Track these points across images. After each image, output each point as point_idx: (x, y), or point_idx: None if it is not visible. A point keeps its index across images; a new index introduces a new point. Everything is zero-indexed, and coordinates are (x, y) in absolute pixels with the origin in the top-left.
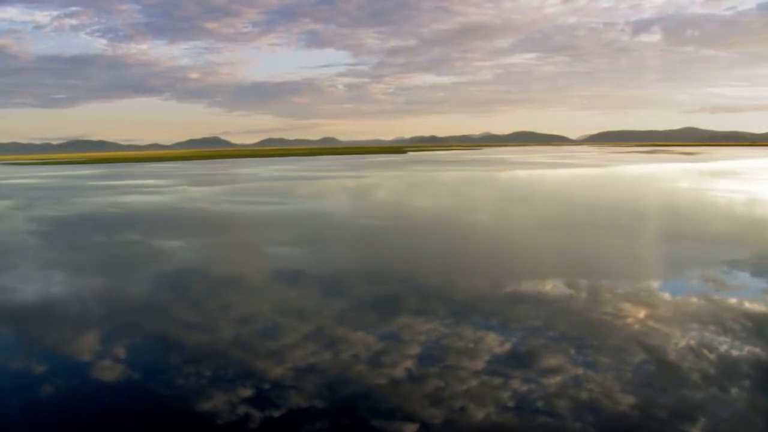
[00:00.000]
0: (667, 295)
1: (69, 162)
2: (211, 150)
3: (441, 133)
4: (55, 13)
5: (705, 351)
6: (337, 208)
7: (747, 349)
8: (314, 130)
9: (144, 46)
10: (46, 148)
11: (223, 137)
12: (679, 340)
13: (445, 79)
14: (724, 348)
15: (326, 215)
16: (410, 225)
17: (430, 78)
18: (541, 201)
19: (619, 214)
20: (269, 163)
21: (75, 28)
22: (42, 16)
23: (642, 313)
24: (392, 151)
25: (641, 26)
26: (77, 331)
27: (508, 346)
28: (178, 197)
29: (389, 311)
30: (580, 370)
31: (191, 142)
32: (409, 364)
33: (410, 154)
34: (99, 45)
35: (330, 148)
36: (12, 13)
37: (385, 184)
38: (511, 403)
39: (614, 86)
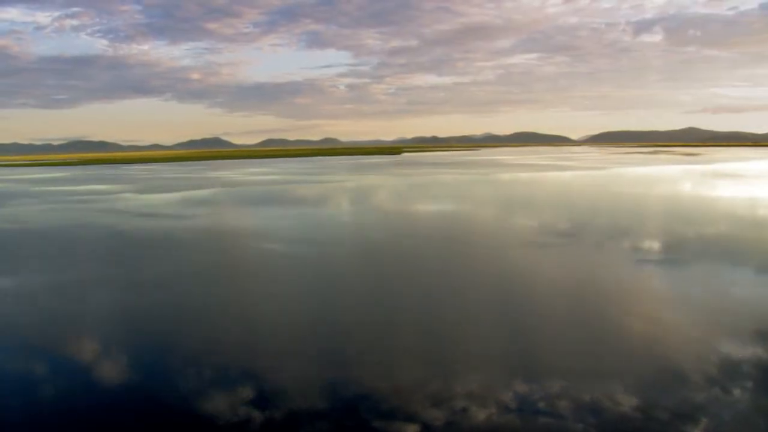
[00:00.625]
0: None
1: (57, 164)
2: (208, 151)
3: (442, 133)
4: (56, 13)
5: None
6: (260, 227)
7: None
8: (315, 131)
9: (145, 47)
10: (46, 148)
11: (224, 138)
12: None
13: (446, 80)
14: None
15: (233, 237)
16: (320, 257)
17: (431, 78)
18: (530, 216)
19: (622, 230)
20: (256, 165)
21: (76, 29)
22: (43, 17)
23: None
24: (388, 151)
25: (643, 26)
26: None
27: None
28: (103, 207)
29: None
30: None
31: (192, 143)
32: None
33: (405, 155)
34: (100, 46)
35: (327, 149)
36: (13, 13)
37: (344, 190)
38: None
39: (616, 86)
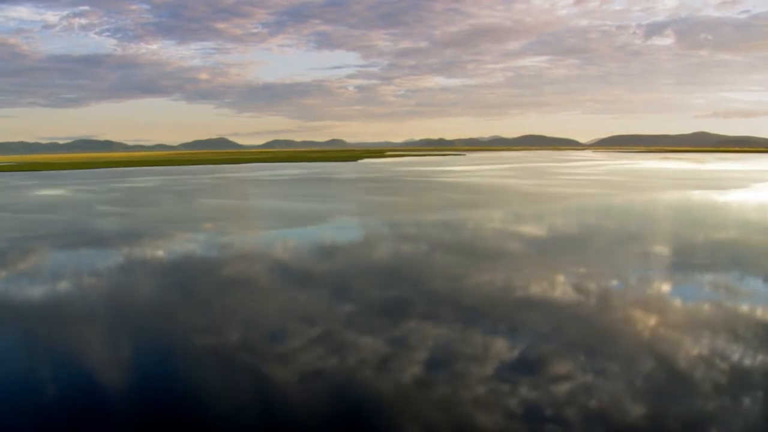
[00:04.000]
0: None
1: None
2: (193, 153)
3: (450, 136)
4: (64, 12)
5: None
6: None
7: None
8: (323, 132)
9: (154, 47)
10: (52, 147)
11: (231, 138)
12: None
13: (456, 82)
14: None
15: None
16: None
17: (440, 80)
18: None
19: None
20: (181, 173)
21: (84, 28)
22: (52, 16)
23: None
24: (351, 157)
25: (654, 29)
26: None
27: None
28: None
29: None
30: None
31: (197, 143)
32: None
33: (364, 161)
34: (109, 45)
35: (301, 152)
36: (22, 12)
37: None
38: None
39: (627, 90)
